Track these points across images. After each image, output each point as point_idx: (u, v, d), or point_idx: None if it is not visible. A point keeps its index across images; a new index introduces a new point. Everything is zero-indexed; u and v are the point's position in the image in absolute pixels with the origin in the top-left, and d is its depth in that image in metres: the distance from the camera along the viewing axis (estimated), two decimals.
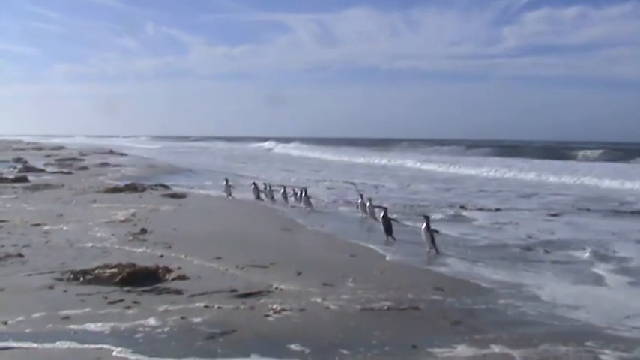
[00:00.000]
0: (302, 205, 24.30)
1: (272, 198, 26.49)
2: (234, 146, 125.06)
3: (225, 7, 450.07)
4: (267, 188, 27.15)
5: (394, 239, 16.98)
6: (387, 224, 17.30)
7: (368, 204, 21.28)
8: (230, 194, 27.01)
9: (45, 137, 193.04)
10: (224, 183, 27.77)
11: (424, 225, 15.61)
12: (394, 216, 19.14)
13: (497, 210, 25.04)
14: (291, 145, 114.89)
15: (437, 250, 15.37)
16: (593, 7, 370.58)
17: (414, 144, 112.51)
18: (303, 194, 24.27)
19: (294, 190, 26.08)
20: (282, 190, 26.22)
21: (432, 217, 18.31)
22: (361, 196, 22.36)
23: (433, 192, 33.52)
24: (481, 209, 25.14)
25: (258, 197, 27.47)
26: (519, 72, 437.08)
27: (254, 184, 28.41)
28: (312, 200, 24.56)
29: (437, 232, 15.87)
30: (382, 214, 17.68)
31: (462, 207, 25.60)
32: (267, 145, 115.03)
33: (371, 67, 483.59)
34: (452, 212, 24.14)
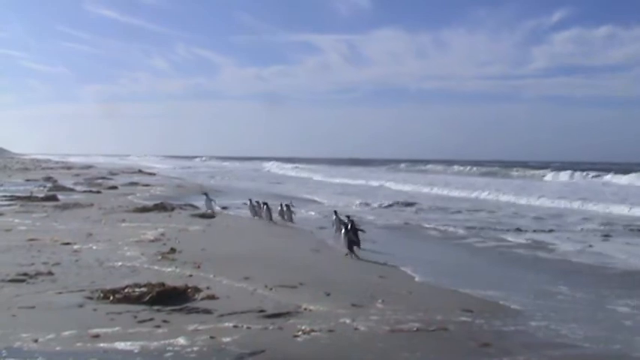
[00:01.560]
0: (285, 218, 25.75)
1: (270, 217, 26.47)
2: (259, 166, 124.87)
3: (256, 28, 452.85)
4: (264, 206, 27.28)
5: (354, 257, 17.49)
6: (350, 240, 17.72)
7: (334, 219, 21.95)
8: (265, 216, 26.80)
9: (67, 156, 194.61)
10: (254, 203, 28.15)
11: (343, 230, 17.43)
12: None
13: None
14: (314, 166, 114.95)
15: (353, 254, 17.05)
16: (623, 27, 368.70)
17: (448, 164, 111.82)
18: (286, 208, 25.64)
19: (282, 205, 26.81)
20: (280, 208, 26.60)
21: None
22: (335, 212, 22.41)
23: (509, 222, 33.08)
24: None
25: (255, 215, 27.79)
26: (548, 92, 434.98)
27: (250, 200, 28.80)
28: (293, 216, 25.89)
29: (357, 237, 17.81)
30: (344, 230, 18.10)
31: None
32: (289, 170, 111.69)
33: (400, 88, 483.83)
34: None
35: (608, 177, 68.44)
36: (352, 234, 17.81)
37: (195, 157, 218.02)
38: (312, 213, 30.21)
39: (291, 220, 25.85)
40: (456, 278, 14.87)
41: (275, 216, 26.26)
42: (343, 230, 18.17)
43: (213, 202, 28.75)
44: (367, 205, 36.35)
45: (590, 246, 21.08)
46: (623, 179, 64.40)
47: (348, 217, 20.16)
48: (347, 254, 17.63)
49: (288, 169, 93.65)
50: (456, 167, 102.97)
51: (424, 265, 16.37)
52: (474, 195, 45.22)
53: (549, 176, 78.82)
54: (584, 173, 74.64)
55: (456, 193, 46.50)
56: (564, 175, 76.35)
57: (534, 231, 25.05)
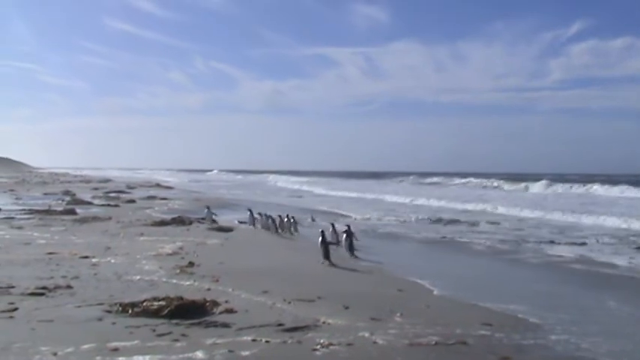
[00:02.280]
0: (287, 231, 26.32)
1: (276, 229, 26.83)
2: (272, 179, 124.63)
3: (274, 41, 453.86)
4: (269, 219, 27.79)
5: (329, 263, 18.46)
6: (325, 250, 18.77)
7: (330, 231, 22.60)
8: (271, 228, 27.20)
9: (79, 169, 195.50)
10: (255, 216, 29.04)
11: (320, 238, 18.55)
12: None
13: None
14: (329, 179, 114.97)
15: (329, 261, 18.24)
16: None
17: (461, 176, 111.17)
18: (292, 221, 26.35)
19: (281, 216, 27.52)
20: (280, 220, 27.19)
21: None
22: (332, 224, 23.38)
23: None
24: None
25: (253, 224, 28.61)
26: (566, 105, 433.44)
27: (250, 211, 29.72)
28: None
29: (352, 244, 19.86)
30: (320, 239, 18.98)
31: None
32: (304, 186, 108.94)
33: (417, 101, 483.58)
34: None
35: (607, 188, 68.15)
36: (332, 243, 19.52)
37: (209, 170, 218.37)
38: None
39: (296, 230, 26.72)
40: (477, 291, 14.82)
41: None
42: (320, 239, 19.05)
43: (214, 215, 29.14)
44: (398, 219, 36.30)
45: (632, 258, 21.17)
46: (614, 190, 65.35)
47: (348, 226, 21.77)
48: (323, 262, 18.52)
49: (303, 183, 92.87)
50: (472, 179, 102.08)
51: (442, 278, 16.30)
52: (479, 207, 44.92)
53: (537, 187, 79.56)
54: (587, 185, 74.29)
55: (470, 206, 46.08)
56: (561, 187, 76.58)
57: (567, 244, 25.00)
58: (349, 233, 20.88)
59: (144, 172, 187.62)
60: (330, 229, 23.30)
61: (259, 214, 28.76)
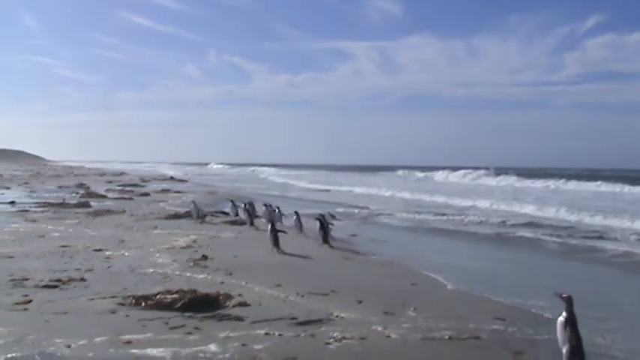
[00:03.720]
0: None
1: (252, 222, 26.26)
2: (293, 173, 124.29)
3: (288, 35, 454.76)
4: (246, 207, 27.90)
5: (280, 252, 18.63)
6: (275, 237, 18.95)
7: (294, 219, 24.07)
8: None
9: (85, 162, 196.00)
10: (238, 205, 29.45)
11: (269, 225, 19.09)
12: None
13: None
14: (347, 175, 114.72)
15: (278, 249, 18.64)
16: None
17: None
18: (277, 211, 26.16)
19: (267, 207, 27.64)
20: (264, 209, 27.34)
21: None
22: (322, 216, 22.66)
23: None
24: None
25: (236, 215, 28.69)
26: (581, 99, 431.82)
27: (231, 202, 30.23)
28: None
29: (284, 232, 20.12)
30: (270, 227, 19.33)
31: None
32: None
33: (431, 95, 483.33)
34: None
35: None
36: (278, 231, 19.38)
37: (206, 163, 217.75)
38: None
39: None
40: (490, 285, 14.77)
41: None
42: (269, 227, 19.39)
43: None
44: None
45: None
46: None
47: (321, 215, 22.36)
48: (272, 250, 18.72)
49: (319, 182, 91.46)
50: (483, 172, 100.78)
51: (455, 273, 16.24)
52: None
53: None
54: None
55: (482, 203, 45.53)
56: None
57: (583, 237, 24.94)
58: (322, 222, 21.48)
59: (146, 165, 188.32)
60: (295, 217, 24.67)
61: (244, 204, 28.90)
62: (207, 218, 28.03)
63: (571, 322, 8.74)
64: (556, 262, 19.99)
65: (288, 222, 25.74)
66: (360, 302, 12.19)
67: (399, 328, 10.49)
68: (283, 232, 20.26)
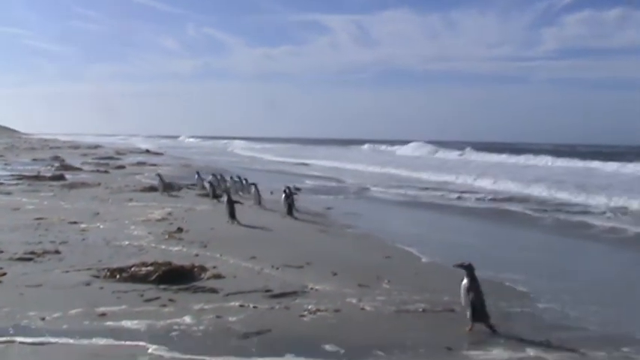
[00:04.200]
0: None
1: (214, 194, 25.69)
2: (262, 147, 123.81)
3: (266, 8, 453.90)
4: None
5: (236, 222, 18.98)
6: (231, 209, 19.32)
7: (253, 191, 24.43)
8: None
9: (70, 135, 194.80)
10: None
11: (225, 197, 19.77)
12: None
13: None
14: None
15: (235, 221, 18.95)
16: (637, 8, 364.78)
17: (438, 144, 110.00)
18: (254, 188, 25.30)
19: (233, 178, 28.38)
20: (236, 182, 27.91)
21: None
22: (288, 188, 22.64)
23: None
24: None
25: (203, 188, 28.43)
26: (558, 75, 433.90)
27: (197, 172, 30.38)
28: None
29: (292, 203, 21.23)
30: (226, 199, 19.84)
31: None
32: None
33: (408, 69, 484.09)
34: None
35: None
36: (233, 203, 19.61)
37: (177, 136, 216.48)
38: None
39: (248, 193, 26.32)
40: (465, 259, 14.81)
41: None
42: (225, 198, 19.91)
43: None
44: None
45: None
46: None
47: (287, 187, 22.46)
48: (228, 221, 19.01)
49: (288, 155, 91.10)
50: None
51: (429, 246, 16.32)
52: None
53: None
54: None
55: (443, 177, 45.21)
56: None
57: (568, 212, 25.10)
58: (288, 194, 21.74)
59: (120, 138, 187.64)
60: (253, 189, 24.77)
61: (213, 175, 29.37)
62: (183, 191, 27.98)
63: (473, 288, 9.38)
64: (532, 236, 20.18)
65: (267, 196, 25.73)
66: (335, 275, 12.24)
67: (374, 300, 10.55)
68: (239, 202, 20.61)
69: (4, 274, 11.60)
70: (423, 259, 14.61)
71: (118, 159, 57.79)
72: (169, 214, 20.17)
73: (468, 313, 9.37)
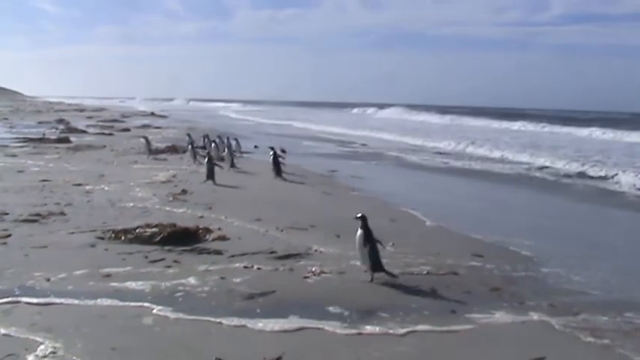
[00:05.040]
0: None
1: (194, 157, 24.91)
2: (270, 109, 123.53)
3: None
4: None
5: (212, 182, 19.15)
6: (209, 170, 19.50)
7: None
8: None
9: (75, 98, 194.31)
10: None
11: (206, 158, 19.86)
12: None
13: None
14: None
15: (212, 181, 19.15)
16: None
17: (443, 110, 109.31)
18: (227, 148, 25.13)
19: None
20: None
21: None
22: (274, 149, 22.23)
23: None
24: None
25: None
26: (565, 40, 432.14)
27: (188, 135, 28.89)
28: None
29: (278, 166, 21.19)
30: (207, 159, 19.91)
31: None
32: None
33: (415, 33, 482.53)
34: None
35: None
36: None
37: (172, 99, 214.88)
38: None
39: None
40: (470, 223, 14.84)
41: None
42: (206, 159, 19.99)
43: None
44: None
45: None
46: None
47: (272, 148, 22.10)
48: (204, 181, 19.21)
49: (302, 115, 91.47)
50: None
51: (433, 210, 16.31)
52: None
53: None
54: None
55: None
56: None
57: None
58: (275, 155, 21.58)
59: (120, 101, 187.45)
60: (213, 145, 26.06)
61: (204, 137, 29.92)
62: (187, 153, 27.91)
63: (369, 238, 9.69)
64: (540, 199, 20.18)
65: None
66: (339, 237, 12.26)
67: None
68: (219, 166, 20.62)
69: (10, 235, 11.64)
70: (427, 223, 14.59)
71: (122, 122, 57.65)
72: (174, 176, 20.22)
73: (366, 266, 9.69)
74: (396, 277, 9.59)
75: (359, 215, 9.83)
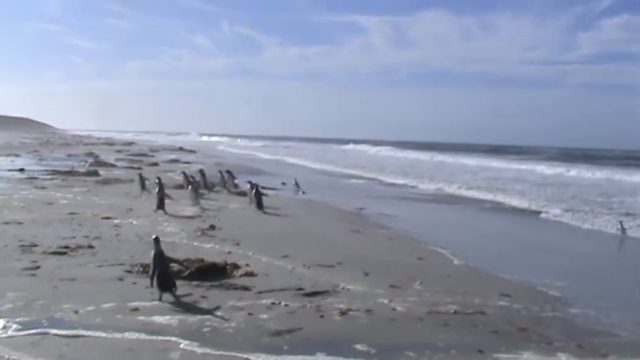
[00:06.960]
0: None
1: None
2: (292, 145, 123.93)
3: (300, 7, 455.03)
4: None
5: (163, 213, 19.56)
6: (160, 199, 20.07)
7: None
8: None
9: (104, 132, 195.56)
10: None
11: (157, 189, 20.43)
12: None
13: None
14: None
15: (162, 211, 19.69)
16: None
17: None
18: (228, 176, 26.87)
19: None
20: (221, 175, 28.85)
21: None
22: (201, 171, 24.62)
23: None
24: None
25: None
26: (594, 80, 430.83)
27: (183, 172, 28.48)
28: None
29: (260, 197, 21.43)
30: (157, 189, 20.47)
31: None
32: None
33: (443, 71, 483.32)
34: None
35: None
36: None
37: (186, 132, 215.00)
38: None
39: (233, 187, 27.69)
40: (497, 262, 14.78)
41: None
42: (157, 189, 20.87)
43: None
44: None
45: None
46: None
47: (249, 182, 23.08)
48: (155, 210, 19.81)
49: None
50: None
51: (462, 249, 16.23)
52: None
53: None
54: None
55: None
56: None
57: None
58: (255, 188, 22.07)
59: (150, 135, 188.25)
60: (183, 177, 26.09)
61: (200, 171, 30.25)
62: (216, 188, 28.13)
63: (160, 257, 10.40)
64: (567, 242, 20.03)
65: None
66: (367, 275, 12.23)
67: (405, 301, 10.52)
68: (168, 196, 20.93)
69: (39, 267, 11.72)
70: (455, 262, 14.53)
71: (151, 156, 58.12)
72: (202, 211, 20.25)
73: (154, 282, 10.20)
74: (179, 298, 10.17)
75: (153, 237, 10.64)
